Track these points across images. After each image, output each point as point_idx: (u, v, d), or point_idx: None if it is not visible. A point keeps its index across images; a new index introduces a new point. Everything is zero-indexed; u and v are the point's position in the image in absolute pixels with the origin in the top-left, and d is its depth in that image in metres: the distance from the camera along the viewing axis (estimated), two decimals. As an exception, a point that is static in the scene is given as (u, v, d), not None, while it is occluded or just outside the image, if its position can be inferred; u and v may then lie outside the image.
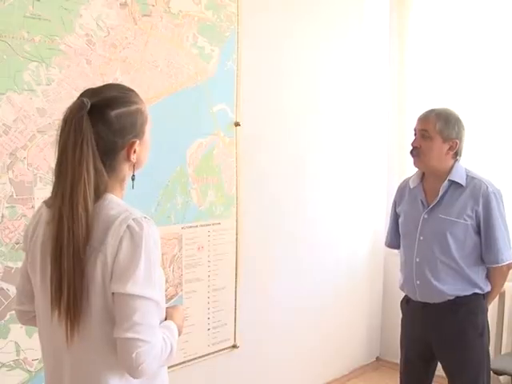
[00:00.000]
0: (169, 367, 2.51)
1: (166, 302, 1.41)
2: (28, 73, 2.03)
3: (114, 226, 1.19)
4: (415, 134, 2.30)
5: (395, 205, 2.50)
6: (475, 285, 2.25)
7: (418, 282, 2.31)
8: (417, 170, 2.39)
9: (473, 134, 3.23)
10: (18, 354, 2.06)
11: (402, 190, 2.46)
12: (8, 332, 2.02)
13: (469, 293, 2.24)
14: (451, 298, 2.25)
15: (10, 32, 1.97)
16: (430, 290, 2.27)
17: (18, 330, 2.00)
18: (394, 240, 2.51)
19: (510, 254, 2.25)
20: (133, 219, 1.20)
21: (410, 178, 2.44)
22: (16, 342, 2.04)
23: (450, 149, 2.24)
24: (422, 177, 2.36)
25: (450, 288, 2.24)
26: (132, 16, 2.33)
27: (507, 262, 2.25)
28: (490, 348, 3.19)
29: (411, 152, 2.29)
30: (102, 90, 1.29)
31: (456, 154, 2.27)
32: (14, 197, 2.02)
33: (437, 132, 2.22)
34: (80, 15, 2.16)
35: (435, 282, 2.25)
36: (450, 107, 2.34)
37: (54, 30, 2.08)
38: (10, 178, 2.01)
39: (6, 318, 2.00)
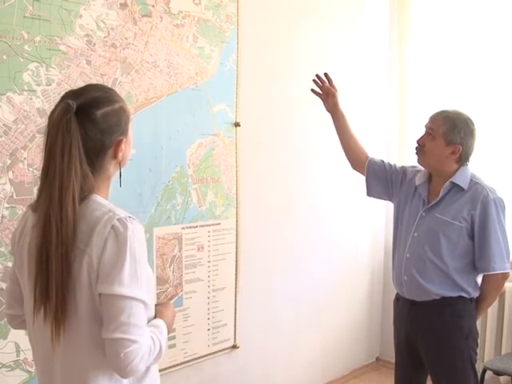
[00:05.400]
0: (168, 367, 2.53)
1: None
2: (28, 73, 2.03)
3: (99, 226, 1.19)
4: (425, 131, 2.29)
5: (403, 171, 2.43)
6: (461, 288, 2.22)
7: (406, 278, 2.30)
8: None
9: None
10: (18, 355, 2.06)
11: (411, 177, 2.38)
12: (8, 332, 2.02)
13: (454, 294, 2.22)
14: (437, 297, 2.24)
15: (10, 32, 1.98)
16: (416, 286, 2.27)
17: (17, 331, 1.98)
18: (374, 188, 2.50)
19: (504, 264, 2.19)
20: (117, 219, 1.20)
21: (419, 172, 2.36)
22: (16, 343, 2.05)
23: (452, 153, 2.21)
24: (430, 177, 2.35)
25: (435, 287, 2.23)
26: (132, 16, 2.33)
27: (499, 272, 2.19)
28: (490, 350, 3.18)
29: (416, 148, 2.30)
30: (83, 91, 1.29)
31: (460, 159, 2.24)
32: (14, 197, 2.02)
33: (440, 134, 2.21)
34: (80, 15, 2.16)
35: (421, 280, 2.25)
36: (461, 109, 2.29)
37: (54, 31, 2.09)
38: (10, 179, 2.01)
39: (5, 319, 1.99)
